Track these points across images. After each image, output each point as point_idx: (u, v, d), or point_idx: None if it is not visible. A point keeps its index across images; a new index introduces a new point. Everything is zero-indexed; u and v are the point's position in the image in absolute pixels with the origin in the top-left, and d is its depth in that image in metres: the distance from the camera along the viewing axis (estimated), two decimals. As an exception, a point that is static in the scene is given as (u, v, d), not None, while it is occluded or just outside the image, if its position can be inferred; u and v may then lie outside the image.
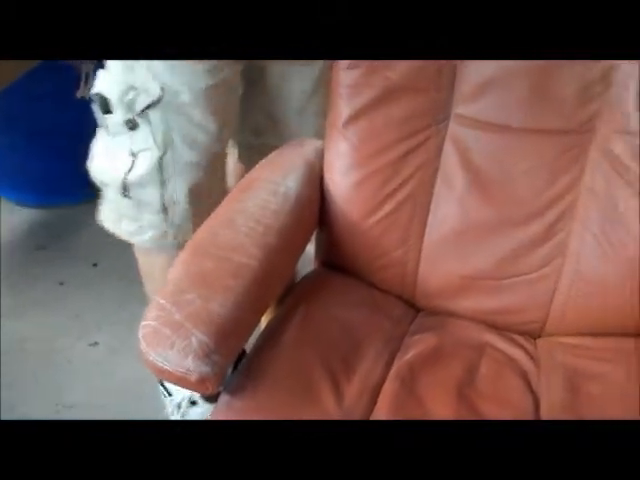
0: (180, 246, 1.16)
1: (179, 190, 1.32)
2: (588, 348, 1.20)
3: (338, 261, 1.33)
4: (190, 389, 1.01)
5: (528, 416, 1.08)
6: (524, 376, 1.15)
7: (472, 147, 1.22)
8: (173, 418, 1.53)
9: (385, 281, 1.30)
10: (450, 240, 1.25)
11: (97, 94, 1.28)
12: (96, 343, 1.81)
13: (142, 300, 1.50)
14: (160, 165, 1.28)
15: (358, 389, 1.09)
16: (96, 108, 1.29)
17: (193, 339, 0.96)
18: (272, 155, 1.31)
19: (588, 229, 1.18)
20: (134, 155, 1.28)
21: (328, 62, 1.42)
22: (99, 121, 1.31)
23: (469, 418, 1.06)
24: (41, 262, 2.07)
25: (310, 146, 1.32)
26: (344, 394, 1.08)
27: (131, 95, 1.23)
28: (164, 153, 1.28)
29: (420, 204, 1.25)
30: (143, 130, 1.26)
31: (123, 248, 1.45)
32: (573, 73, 1.15)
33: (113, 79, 1.25)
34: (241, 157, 1.57)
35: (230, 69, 1.28)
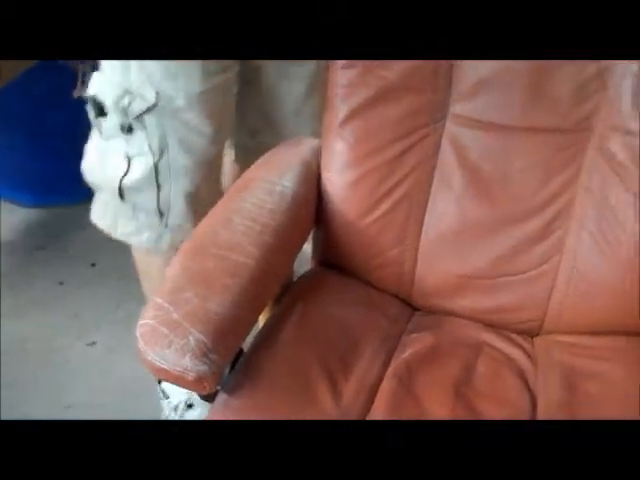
0: (177, 247, 1.16)
1: (175, 193, 1.32)
2: (585, 347, 1.20)
3: (335, 260, 1.33)
4: (188, 388, 1.01)
5: (525, 415, 1.08)
6: (521, 375, 1.16)
7: (469, 146, 1.22)
8: (171, 419, 1.53)
9: (382, 280, 1.31)
10: (447, 239, 1.25)
11: (91, 97, 1.27)
12: (94, 342, 1.81)
13: (140, 300, 1.50)
14: (156, 169, 1.29)
15: (355, 388, 1.09)
16: (90, 110, 1.29)
17: (191, 338, 0.97)
18: (269, 154, 1.31)
19: (585, 227, 1.19)
20: (129, 159, 1.28)
21: (323, 63, 1.42)
22: (92, 123, 1.31)
23: (466, 417, 1.06)
24: (39, 262, 2.07)
25: (307, 145, 1.32)
26: (342, 393, 1.08)
27: (126, 100, 1.23)
28: (160, 158, 1.28)
29: (417, 203, 1.25)
30: (138, 135, 1.26)
31: (121, 248, 1.45)
32: (569, 72, 1.15)
33: (108, 83, 1.25)
34: (237, 158, 1.57)
35: (226, 73, 1.28)
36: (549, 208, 1.20)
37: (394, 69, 1.19)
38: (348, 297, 1.28)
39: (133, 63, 1.22)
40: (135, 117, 1.24)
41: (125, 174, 1.29)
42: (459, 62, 1.19)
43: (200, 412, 1.50)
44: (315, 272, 1.36)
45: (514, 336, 1.24)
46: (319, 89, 1.45)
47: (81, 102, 1.30)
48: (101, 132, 1.29)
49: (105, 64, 1.26)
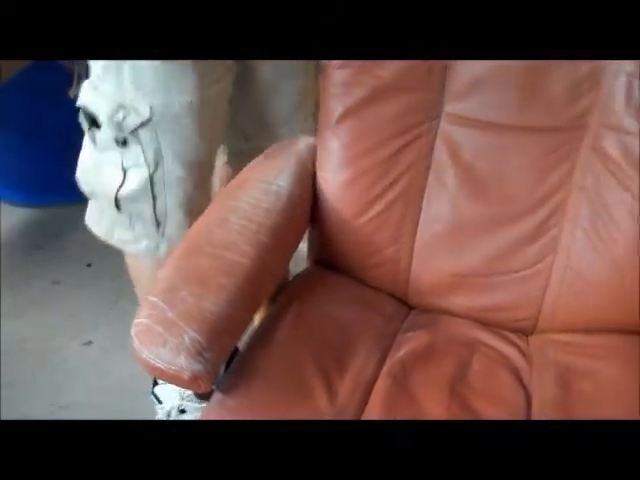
0: None
1: (171, 203, 1.32)
2: (580, 345, 1.20)
3: (331, 259, 1.33)
4: (183, 387, 1.02)
5: (520, 413, 1.08)
6: (516, 373, 1.16)
7: (463, 145, 1.22)
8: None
9: (377, 279, 1.31)
10: (442, 238, 1.25)
11: (83, 107, 1.27)
12: (90, 342, 1.81)
13: (135, 299, 1.50)
14: (151, 181, 1.28)
15: (350, 387, 1.09)
16: (82, 121, 1.28)
17: (186, 337, 0.97)
18: (265, 153, 1.31)
19: (579, 226, 1.19)
20: (125, 170, 1.28)
21: (314, 70, 1.43)
22: (85, 133, 1.30)
23: (461, 415, 1.06)
24: (36, 262, 2.06)
25: (302, 144, 1.32)
26: (337, 392, 1.08)
27: (121, 115, 1.23)
28: (155, 170, 1.28)
29: (412, 202, 1.25)
30: (133, 148, 1.26)
31: (117, 249, 1.45)
32: (562, 71, 1.15)
33: (101, 96, 1.24)
34: (230, 161, 1.56)
35: (219, 84, 1.29)
36: (543, 207, 1.21)
37: (388, 68, 1.19)
38: (343, 296, 1.28)
39: (126, 76, 1.21)
40: (130, 132, 1.24)
41: (121, 185, 1.29)
42: (453, 61, 1.20)
43: (193, 418, 1.50)
44: (310, 271, 1.36)
45: (509, 334, 1.25)
46: (312, 93, 1.45)
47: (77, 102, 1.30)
48: (95, 143, 1.29)
49: (96, 77, 1.25)
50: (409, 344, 1.19)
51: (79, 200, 1.43)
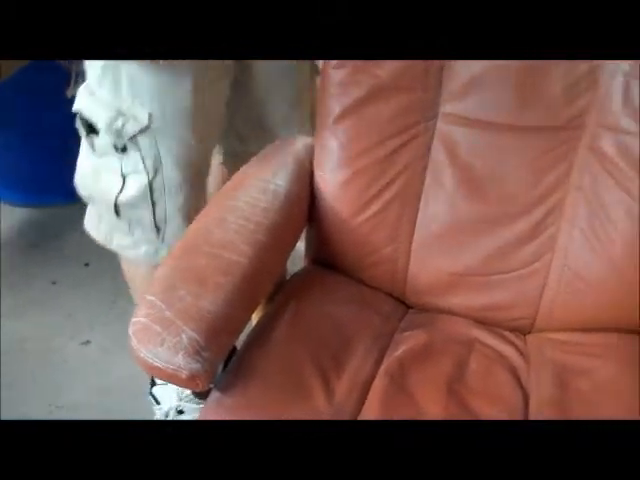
0: None
1: (170, 209, 1.32)
2: (577, 344, 1.20)
3: (328, 258, 1.34)
4: (180, 386, 1.02)
5: (517, 412, 1.08)
6: (514, 372, 1.16)
7: (461, 145, 1.22)
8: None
9: (375, 278, 1.31)
10: (439, 237, 1.25)
11: (80, 114, 1.26)
12: (88, 342, 1.81)
13: (134, 300, 1.50)
14: (151, 187, 1.28)
15: (348, 386, 1.09)
16: (79, 127, 1.28)
17: (183, 336, 0.97)
18: (263, 153, 1.32)
19: (576, 225, 1.19)
20: (124, 176, 1.28)
21: (309, 72, 1.43)
22: (83, 138, 1.29)
23: (459, 414, 1.06)
24: (34, 262, 2.07)
25: (300, 144, 1.32)
26: (334, 391, 1.08)
27: (120, 122, 1.22)
28: (154, 176, 1.27)
29: (409, 201, 1.25)
30: (133, 155, 1.26)
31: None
32: (559, 70, 1.15)
33: (99, 103, 1.24)
34: (225, 163, 1.56)
35: (216, 86, 1.28)
36: (541, 206, 1.21)
37: (386, 68, 1.20)
38: (341, 295, 1.28)
39: (123, 84, 1.21)
40: (129, 138, 1.24)
41: (120, 191, 1.28)
42: (450, 61, 1.20)
43: (191, 419, 1.50)
44: (308, 270, 1.36)
45: (506, 333, 1.25)
46: (308, 96, 1.46)
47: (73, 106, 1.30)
48: (94, 149, 1.28)
49: (93, 83, 1.24)
50: (407, 343, 1.19)
51: (77, 200, 1.43)
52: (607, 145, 1.17)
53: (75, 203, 1.80)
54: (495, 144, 1.22)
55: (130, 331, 0.99)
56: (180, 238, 1.29)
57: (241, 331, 1.10)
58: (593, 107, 1.17)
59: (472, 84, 1.19)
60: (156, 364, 0.96)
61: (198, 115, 1.26)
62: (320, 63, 1.44)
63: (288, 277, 1.35)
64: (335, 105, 1.24)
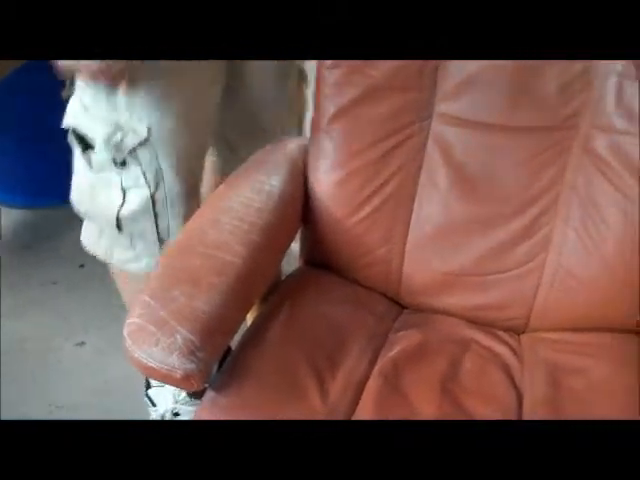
0: None
1: (173, 219, 1.30)
2: (571, 343, 1.21)
3: (323, 259, 1.34)
4: (175, 386, 1.02)
5: (511, 411, 1.09)
6: (508, 371, 1.16)
7: (455, 145, 1.23)
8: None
9: (369, 279, 1.31)
10: (434, 237, 1.26)
11: (73, 130, 1.23)
12: (83, 343, 1.81)
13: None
14: (153, 200, 1.26)
15: (342, 385, 1.09)
16: (73, 144, 1.25)
17: (178, 336, 0.97)
18: (257, 154, 1.32)
19: (570, 225, 1.20)
20: (124, 191, 1.25)
21: (297, 78, 1.43)
22: (77, 154, 1.26)
23: (453, 414, 1.06)
24: (29, 263, 2.06)
25: (294, 144, 1.32)
26: (329, 391, 1.08)
27: (119, 136, 1.20)
28: (156, 189, 1.26)
29: (403, 202, 1.26)
30: (133, 169, 1.23)
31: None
32: (553, 71, 1.16)
33: (96, 119, 1.21)
34: (216, 170, 1.55)
35: (209, 93, 1.28)
36: (534, 206, 1.21)
37: (380, 68, 1.20)
38: (336, 296, 1.28)
39: (120, 97, 1.18)
40: (128, 152, 1.21)
41: (121, 206, 1.26)
42: (445, 61, 1.20)
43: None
44: (303, 271, 1.36)
45: (500, 333, 1.25)
46: (299, 103, 1.46)
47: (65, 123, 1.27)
48: (91, 165, 1.25)
49: (88, 98, 1.21)
50: (401, 343, 1.19)
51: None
52: (600, 145, 1.17)
53: (70, 205, 1.79)
54: (489, 144, 1.22)
55: (125, 332, 0.99)
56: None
57: (236, 331, 1.10)
58: (587, 107, 1.17)
59: (467, 84, 1.20)
60: (150, 364, 0.96)
61: (196, 123, 1.26)
62: (307, 70, 1.45)
63: (283, 277, 1.35)
64: (329, 105, 1.24)
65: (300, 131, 1.35)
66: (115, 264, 1.38)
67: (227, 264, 1.08)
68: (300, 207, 1.29)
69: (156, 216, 1.28)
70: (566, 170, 1.20)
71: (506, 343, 1.23)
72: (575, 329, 1.22)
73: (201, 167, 1.37)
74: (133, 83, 1.16)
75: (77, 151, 1.26)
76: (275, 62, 1.36)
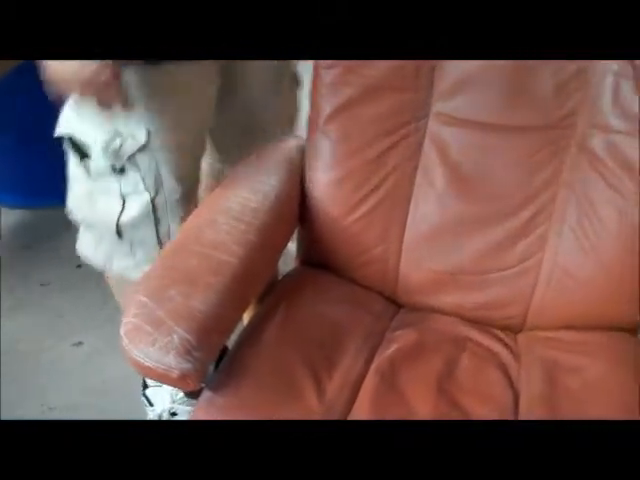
0: None
1: (174, 223, 1.29)
2: (567, 342, 1.21)
3: (319, 258, 1.34)
4: (172, 385, 1.02)
5: (507, 410, 1.09)
6: (504, 370, 1.16)
7: (451, 144, 1.23)
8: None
9: (366, 278, 1.31)
10: (430, 236, 1.26)
11: (69, 138, 1.22)
12: (80, 343, 1.81)
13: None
14: (153, 205, 1.24)
15: (339, 384, 1.10)
16: (70, 153, 1.24)
17: (175, 336, 0.97)
18: (254, 154, 1.32)
19: (566, 224, 1.20)
20: (124, 197, 1.24)
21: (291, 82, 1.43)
22: (73, 163, 1.25)
23: (449, 412, 1.07)
24: (26, 263, 2.06)
25: (291, 144, 1.33)
26: (325, 390, 1.08)
27: (117, 143, 1.18)
28: (156, 194, 1.24)
29: (400, 201, 1.26)
30: (132, 175, 1.21)
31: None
32: (549, 70, 1.16)
33: (94, 126, 1.19)
34: (211, 172, 1.53)
35: (205, 93, 1.27)
36: (531, 205, 1.21)
37: (376, 68, 1.20)
38: (333, 295, 1.28)
39: (117, 106, 1.16)
40: (127, 158, 1.19)
41: (121, 212, 1.24)
42: (441, 61, 1.20)
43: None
44: (300, 270, 1.36)
45: (497, 332, 1.25)
46: (294, 108, 1.46)
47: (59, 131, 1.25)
48: (89, 173, 1.23)
49: (84, 107, 1.18)
50: (398, 342, 1.19)
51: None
52: (597, 145, 1.18)
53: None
54: (486, 144, 1.22)
55: (122, 331, 0.99)
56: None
57: (232, 331, 1.11)
58: (583, 107, 1.18)
59: (463, 84, 1.20)
60: (147, 364, 0.96)
61: (194, 124, 1.26)
62: (300, 72, 1.45)
63: (280, 277, 1.35)
64: (326, 105, 1.24)
65: (293, 133, 1.34)
66: (115, 272, 1.36)
67: (224, 264, 1.08)
68: (297, 207, 1.29)
69: (157, 221, 1.27)
70: (562, 169, 1.20)
71: (502, 342, 1.23)
72: (571, 328, 1.22)
73: (199, 169, 1.36)
74: (128, 99, 1.14)
75: (73, 160, 1.24)
76: (269, 64, 1.36)
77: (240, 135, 1.44)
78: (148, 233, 1.28)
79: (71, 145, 1.23)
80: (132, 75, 1.14)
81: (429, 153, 1.24)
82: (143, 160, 1.21)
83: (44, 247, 2.12)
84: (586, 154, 1.18)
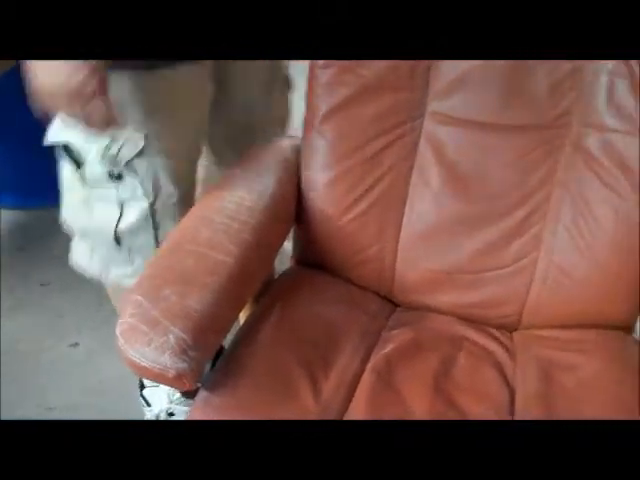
0: None
1: (171, 228, 1.25)
2: (562, 340, 1.21)
3: (315, 258, 1.34)
4: (167, 385, 1.02)
5: (503, 408, 1.09)
6: (500, 369, 1.17)
7: (447, 143, 1.23)
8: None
9: (362, 277, 1.31)
10: (426, 235, 1.26)
11: (64, 146, 1.19)
12: (77, 344, 1.81)
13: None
14: (152, 211, 1.23)
15: (335, 384, 1.10)
16: (64, 161, 1.22)
17: (170, 336, 0.97)
18: (250, 153, 1.32)
19: (561, 223, 1.20)
20: (122, 204, 1.22)
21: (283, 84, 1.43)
22: (68, 171, 1.23)
23: (445, 411, 1.07)
24: (22, 264, 2.06)
25: (287, 144, 1.33)
26: (322, 389, 1.08)
27: (114, 149, 1.16)
28: (155, 200, 1.22)
29: (396, 200, 1.26)
30: (129, 181, 1.19)
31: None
32: (544, 69, 1.17)
33: (89, 132, 1.14)
34: (206, 175, 1.53)
35: (201, 92, 1.26)
36: (526, 204, 1.22)
37: (372, 68, 1.20)
38: (329, 295, 1.28)
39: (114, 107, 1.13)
40: (125, 164, 1.18)
41: (119, 219, 1.23)
42: (437, 61, 1.20)
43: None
44: (296, 270, 1.36)
45: (493, 331, 1.25)
46: (285, 110, 1.46)
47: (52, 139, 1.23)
48: (84, 181, 1.21)
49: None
50: (394, 341, 1.19)
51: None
52: (592, 144, 1.18)
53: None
54: (481, 143, 1.22)
55: (117, 331, 0.99)
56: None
57: (228, 330, 1.10)
58: (578, 106, 1.18)
59: (459, 83, 1.20)
60: (143, 364, 0.96)
61: (191, 128, 1.26)
62: (292, 75, 1.45)
63: (276, 276, 1.35)
64: (322, 105, 1.24)
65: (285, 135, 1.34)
66: (111, 281, 1.34)
67: (219, 263, 1.08)
68: (293, 206, 1.29)
69: (156, 227, 1.25)
70: (557, 168, 1.20)
71: (498, 340, 1.23)
72: (567, 326, 1.22)
73: (195, 172, 1.35)
74: (118, 117, 1.10)
75: (68, 168, 1.22)
76: (261, 68, 1.36)
77: (232, 138, 1.43)
78: (147, 239, 1.26)
79: (65, 153, 1.21)
80: (127, 81, 1.12)
81: (425, 152, 1.24)
82: (141, 165, 1.19)
83: (39, 248, 2.11)
84: (581, 153, 1.18)
